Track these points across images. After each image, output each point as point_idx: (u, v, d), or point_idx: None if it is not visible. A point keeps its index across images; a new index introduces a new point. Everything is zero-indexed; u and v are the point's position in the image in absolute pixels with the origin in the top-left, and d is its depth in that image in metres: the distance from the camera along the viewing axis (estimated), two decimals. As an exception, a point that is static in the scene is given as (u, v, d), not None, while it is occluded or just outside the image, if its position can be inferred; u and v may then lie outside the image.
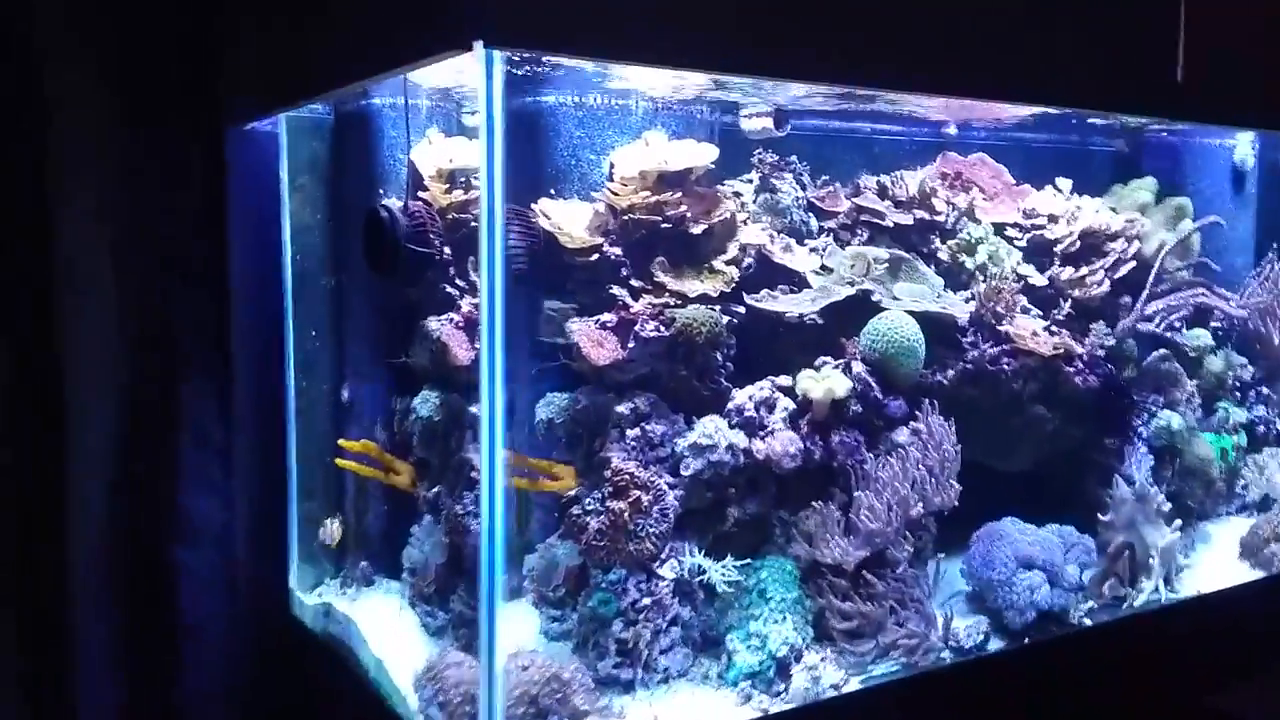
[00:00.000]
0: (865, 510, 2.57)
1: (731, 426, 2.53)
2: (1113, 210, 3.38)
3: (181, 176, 2.63)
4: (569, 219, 2.55)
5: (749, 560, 2.52)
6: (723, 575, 2.44)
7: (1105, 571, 2.97)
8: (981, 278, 3.09)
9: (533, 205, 2.55)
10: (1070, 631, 2.78)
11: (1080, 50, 2.52)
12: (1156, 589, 2.98)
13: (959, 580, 2.83)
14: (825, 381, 2.61)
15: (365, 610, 2.79)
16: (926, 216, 3.12)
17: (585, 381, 2.50)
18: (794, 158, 3.03)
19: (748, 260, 2.73)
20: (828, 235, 3.01)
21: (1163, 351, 3.27)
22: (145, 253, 2.60)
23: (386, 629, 2.67)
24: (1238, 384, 3.56)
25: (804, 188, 3.04)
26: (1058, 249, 3.20)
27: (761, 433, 2.55)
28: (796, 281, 2.83)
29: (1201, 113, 2.82)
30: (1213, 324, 3.55)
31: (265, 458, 2.86)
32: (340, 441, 2.76)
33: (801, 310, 2.72)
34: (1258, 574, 3.23)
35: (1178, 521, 3.02)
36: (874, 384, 2.72)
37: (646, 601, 2.35)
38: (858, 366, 2.70)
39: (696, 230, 2.62)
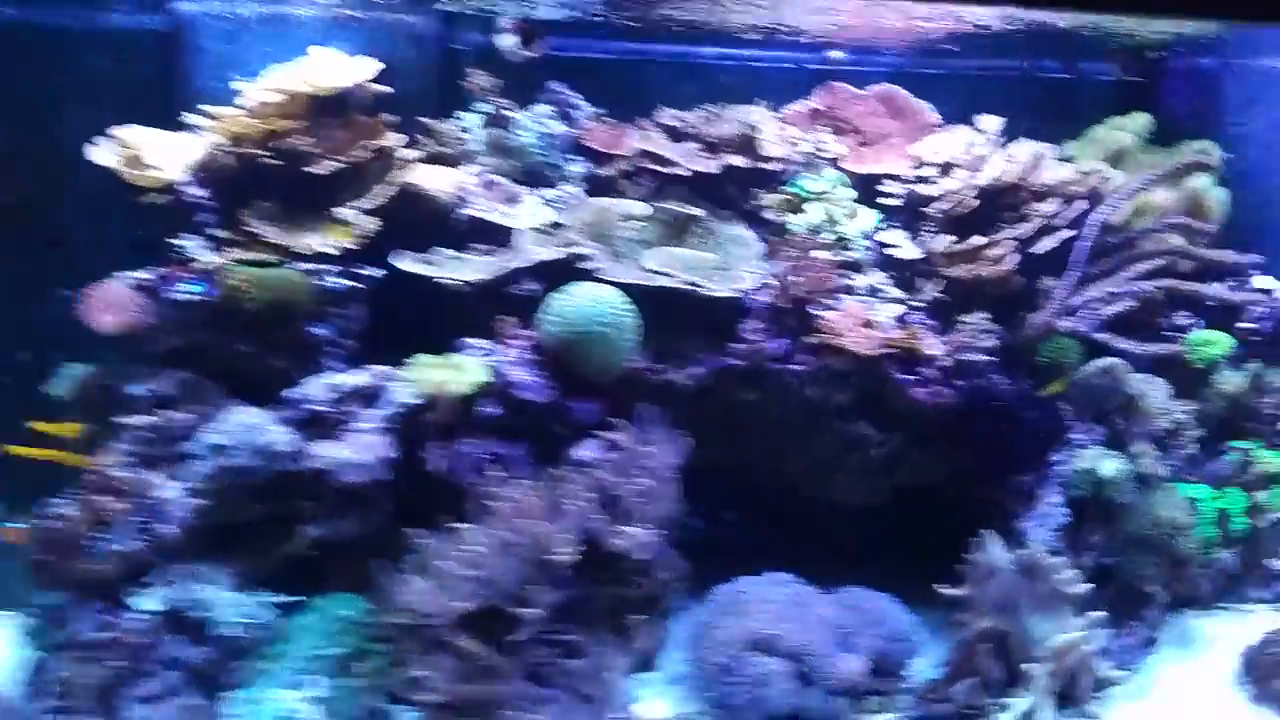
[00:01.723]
0: (472, 549, 1.89)
1: (289, 422, 1.94)
2: (1067, 160, 2.39)
3: None
4: (158, 151, 2.07)
5: (303, 598, 1.93)
6: (232, 612, 1.88)
7: (955, 671, 2.09)
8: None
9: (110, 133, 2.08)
10: None
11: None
12: (1034, 710, 2.02)
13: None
14: (447, 371, 1.95)
15: None
16: (744, 163, 2.32)
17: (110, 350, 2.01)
18: (555, 84, 2.35)
19: (401, 208, 2.11)
20: (586, 185, 2.32)
21: (1109, 362, 2.24)
22: None
23: None
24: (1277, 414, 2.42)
25: (572, 123, 2.35)
26: (936, 209, 2.28)
27: (336, 432, 1.95)
28: (502, 239, 2.18)
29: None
30: (1246, 323, 2.44)
31: None
32: None
33: (465, 278, 2.07)
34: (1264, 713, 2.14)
35: (1097, 613, 2.05)
36: (544, 380, 2.02)
37: (103, 636, 1.83)
38: (512, 353, 2.01)
39: (319, 169, 2.05)
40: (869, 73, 2.59)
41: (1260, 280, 2.45)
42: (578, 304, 2.01)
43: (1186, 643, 2.30)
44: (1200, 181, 2.37)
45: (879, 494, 2.28)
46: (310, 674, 1.87)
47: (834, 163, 2.43)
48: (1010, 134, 2.43)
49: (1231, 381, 2.39)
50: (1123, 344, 2.17)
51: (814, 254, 2.17)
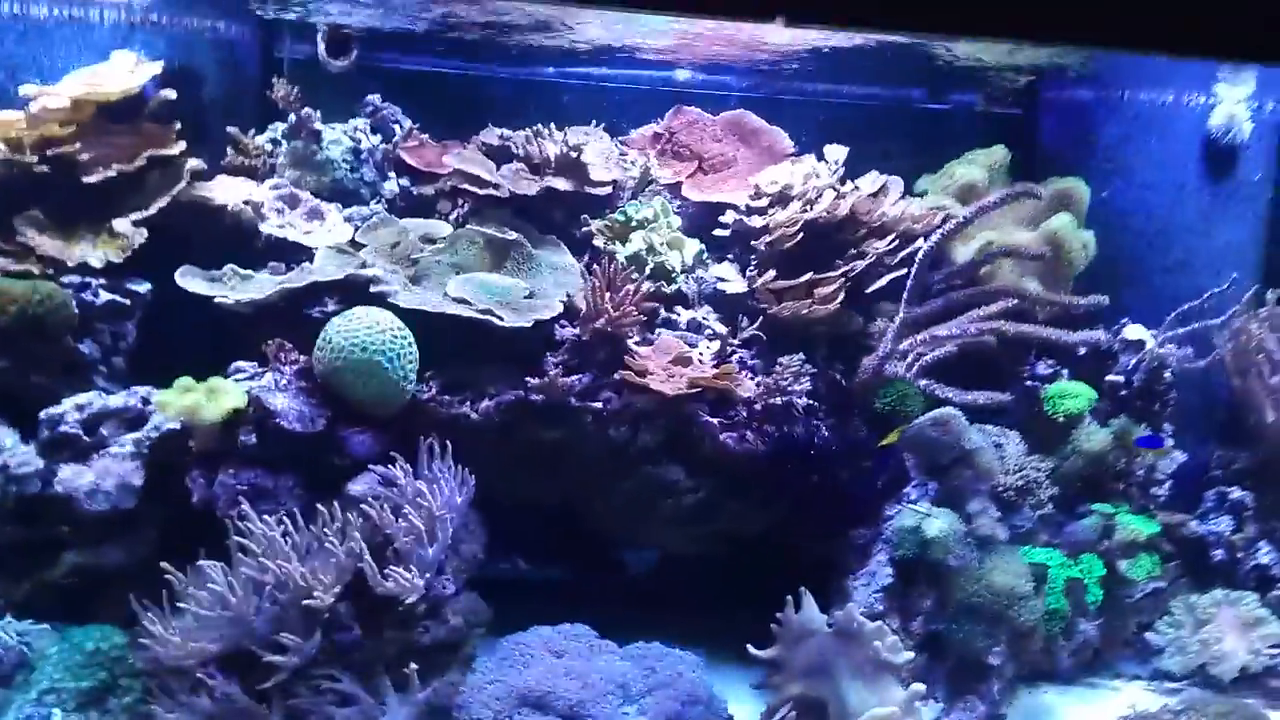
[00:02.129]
0: (211, 587, 1.76)
1: (40, 443, 1.82)
2: (919, 195, 2.26)
3: None
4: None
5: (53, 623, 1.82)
6: None
7: None
8: (635, 274, 2.12)
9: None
10: None
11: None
12: None
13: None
14: (200, 396, 1.83)
15: None
16: (569, 187, 2.20)
17: None
18: (375, 97, 2.24)
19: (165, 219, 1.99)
20: (401, 202, 2.20)
21: (943, 412, 2.08)
22: None
23: None
24: (1144, 474, 2.26)
25: (388, 136, 2.23)
26: (760, 242, 2.14)
27: (90, 457, 1.83)
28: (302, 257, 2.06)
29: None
30: (1115, 375, 2.29)
31: None
32: None
33: (244, 298, 1.95)
34: None
35: (917, 686, 1.87)
36: (314, 409, 1.89)
37: None
38: (280, 379, 1.88)
39: (92, 178, 1.94)
40: (727, 96, 2.48)
41: (1131, 330, 2.30)
42: (351, 329, 1.88)
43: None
44: (1059, 221, 2.22)
45: (696, 542, 2.13)
46: (50, 707, 1.74)
47: (675, 189, 2.31)
48: (872, 163, 2.30)
49: (1094, 438, 2.22)
50: (945, 392, 2.02)
51: (628, 285, 2.03)
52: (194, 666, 1.77)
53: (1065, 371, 2.29)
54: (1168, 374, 2.27)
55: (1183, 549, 2.33)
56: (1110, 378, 2.29)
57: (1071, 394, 2.23)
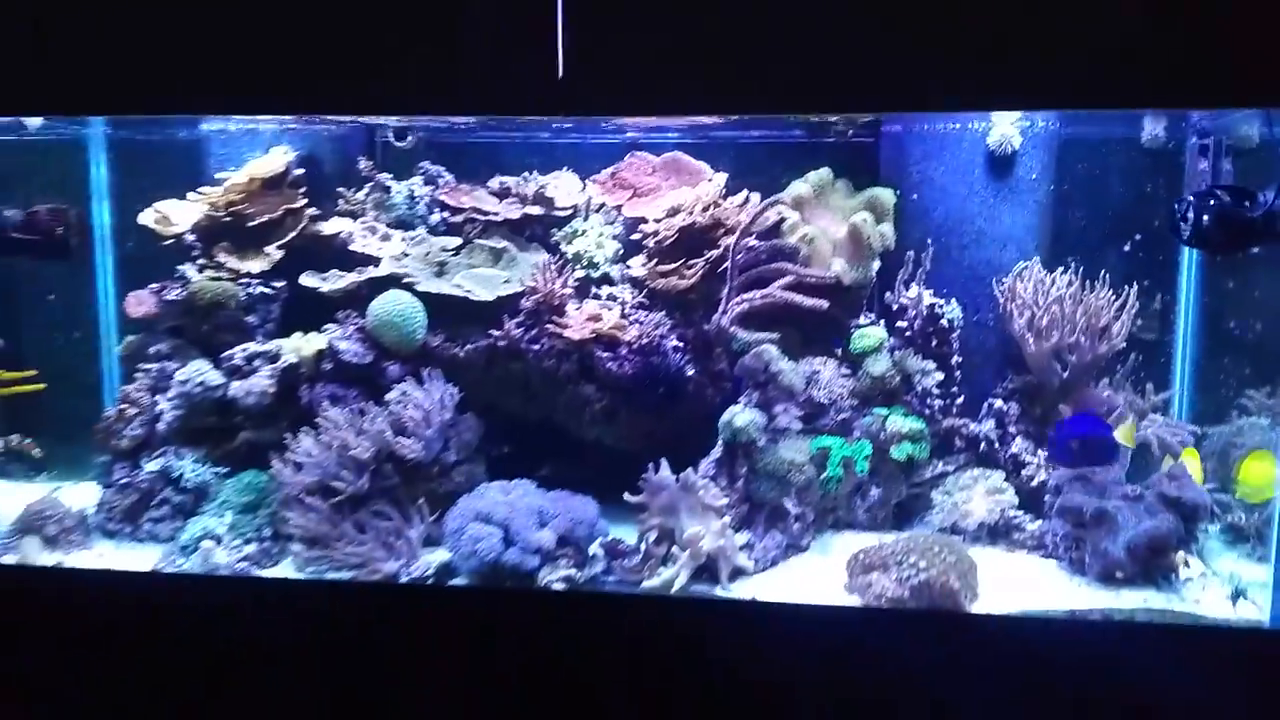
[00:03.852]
0: (304, 447, 3.16)
1: (218, 368, 3.30)
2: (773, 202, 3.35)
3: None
4: (178, 214, 3.50)
5: (231, 470, 3.28)
6: (193, 474, 3.25)
7: (642, 551, 3.05)
8: (577, 266, 3.37)
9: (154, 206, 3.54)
10: (524, 587, 2.93)
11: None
12: (676, 578, 2.97)
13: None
14: (297, 342, 3.25)
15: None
16: (539, 211, 3.47)
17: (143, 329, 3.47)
18: (425, 162, 3.60)
19: (297, 244, 3.43)
20: (444, 228, 3.54)
21: (760, 347, 3.18)
22: None
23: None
24: (919, 390, 3.24)
25: (435, 187, 3.58)
26: (649, 242, 3.32)
27: (249, 377, 3.28)
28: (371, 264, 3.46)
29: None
30: (902, 323, 3.29)
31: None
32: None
33: (323, 288, 3.36)
34: (852, 600, 2.87)
35: (725, 519, 2.98)
36: (365, 350, 3.26)
37: (125, 480, 3.26)
38: (334, 336, 3.26)
39: (254, 223, 3.42)
40: (667, 143, 3.63)
41: (912, 291, 3.29)
42: (381, 303, 3.24)
43: (828, 551, 3.18)
44: (858, 218, 3.25)
45: (608, 435, 3.32)
46: (228, 510, 3.17)
47: (617, 210, 3.51)
48: (765, 179, 3.41)
49: (878, 364, 3.23)
50: (744, 335, 3.12)
51: (558, 272, 3.27)
52: (299, 492, 3.19)
53: (881, 321, 3.33)
54: (944, 320, 3.25)
55: (967, 443, 3.29)
56: (899, 324, 3.30)
57: (868, 335, 3.26)
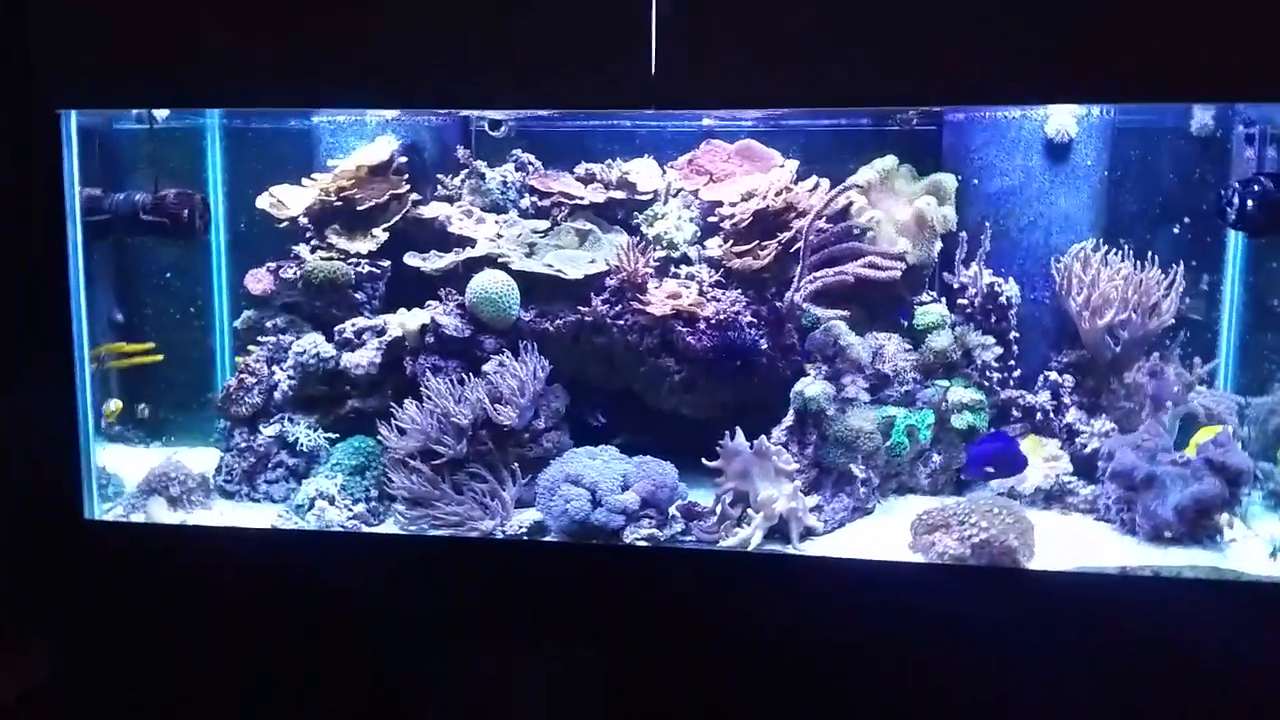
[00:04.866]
0: (407, 415, 3.44)
1: (330, 342, 3.60)
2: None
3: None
4: (291, 199, 3.80)
5: (340, 435, 3.58)
6: (307, 439, 3.55)
7: (718, 513, 3.30)
8: (658, 247, 3.63)
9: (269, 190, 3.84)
10: (610, 544, 3.20)
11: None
12: (751, 538, 3.17)
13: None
14: (402, 317, 3.54)
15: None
16: (622, 195, 3.73)
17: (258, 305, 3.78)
18: (517, 150, 3.86)
19: (401, 226, 3.71)
20: (533, 211, 3.80)
21: (829, 323, 3.42)
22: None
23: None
24: (979, 364, 3.46)
25: (526, 173, 3.85)
26: (725, 225, 3.57)
27: (358, 349, 3.58)
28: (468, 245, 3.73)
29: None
30: (963, 299, 3.51)
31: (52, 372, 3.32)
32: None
33: (424, 267, 3.64)
34: (916, 558, 3.10)
35: (796, 483, 3.20)
36: (464, 324, 3.54)
37: (243, 444, 3.57)
38: (436, 311, 3.54)
39: (362, 207, 3.70)
40: (741, 131, 3.86)
41: (971, 270, 3.51)
42: (480, 281, 3.51)
43: (892, 514, 3.41)
44: (922, 202, 3.47)
45: (686, 405, 3.58)
46: (339, 472, 3.48)
47: (695, 194, 3.75)
48: (836, 166, 3.63)
49: (940, 339, 3.46)
50: (817, 311, 3.36)
51: (642, 253, 3.52)
52: (404, 456, 3.48)
53: (942, 298, 3.55)
54: (1003, 298, 3.47)
55: (1024, 413, 3.51)
56: (960, 301, 3.52)
57: (930, 312, 3.49)
